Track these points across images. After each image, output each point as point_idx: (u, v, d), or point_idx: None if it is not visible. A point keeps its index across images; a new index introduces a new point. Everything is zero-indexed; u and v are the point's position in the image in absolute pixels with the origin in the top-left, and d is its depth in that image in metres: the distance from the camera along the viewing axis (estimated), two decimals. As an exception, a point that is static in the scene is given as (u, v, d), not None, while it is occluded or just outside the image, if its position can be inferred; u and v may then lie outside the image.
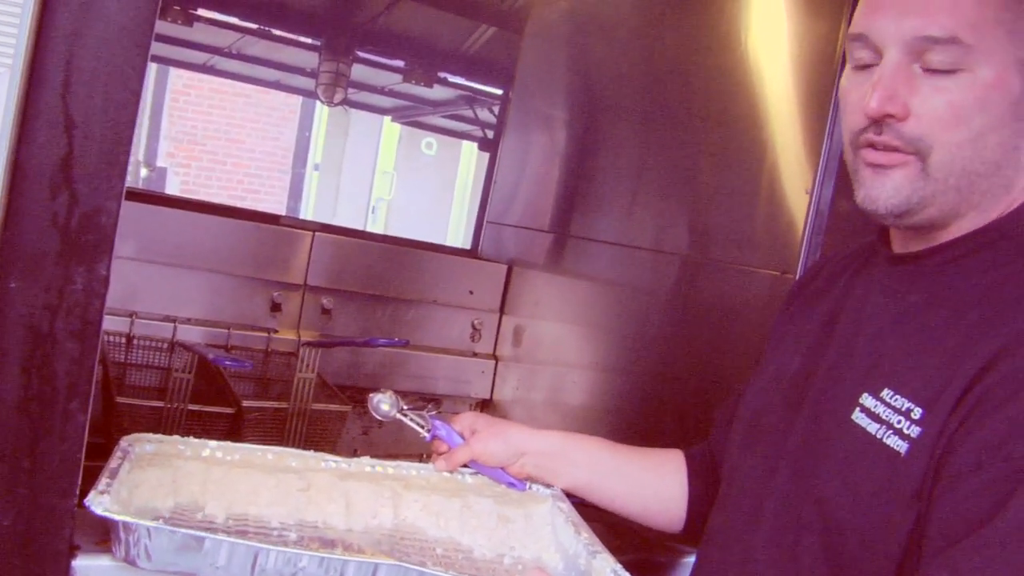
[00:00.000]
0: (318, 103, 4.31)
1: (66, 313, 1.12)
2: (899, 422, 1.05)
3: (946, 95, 1.05)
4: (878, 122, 1.08)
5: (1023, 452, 0.93)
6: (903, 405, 1.05)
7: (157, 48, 4.65)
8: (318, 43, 3.93)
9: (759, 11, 2.10)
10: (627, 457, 1.57)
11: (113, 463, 1.32)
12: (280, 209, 11.09)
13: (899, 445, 1.04)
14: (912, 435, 1.03)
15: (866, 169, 1.11)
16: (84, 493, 1.17)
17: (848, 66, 1.15)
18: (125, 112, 1.13)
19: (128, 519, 1.14)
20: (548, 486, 1.56)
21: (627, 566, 1.29)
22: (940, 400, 1.01)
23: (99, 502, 1.15)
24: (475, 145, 5.13)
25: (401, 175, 12.96)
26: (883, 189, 1.09)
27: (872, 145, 1.09)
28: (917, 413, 1.03)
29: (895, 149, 1.08)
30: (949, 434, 1.00)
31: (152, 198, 3.10)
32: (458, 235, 11.63)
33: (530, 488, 1.56)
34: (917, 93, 1.06)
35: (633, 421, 2.31)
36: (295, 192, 12.02)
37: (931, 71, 1.05)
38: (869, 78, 1.09)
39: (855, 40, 1.12)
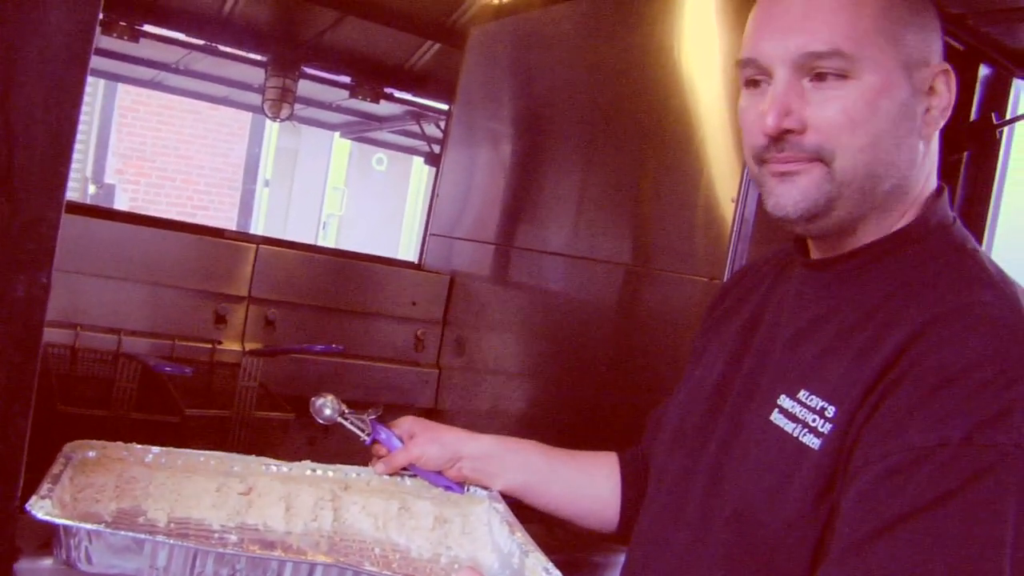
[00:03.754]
0: (268, 120, 4.34)
1: (7, 320, 1.14)
2: (814, 420, 1.09)
3: (839, 103, 1.10)
4: (778, 139, 1.13)
5: (920, 441, 0.97)
6: (817, 404, 1.09)
7: (104, 64, 4.68)
8: (264, 59, 3.95)
9: (691, 24, 2.16)
10: (561, 460, 1.60)
11: (55, 469, 1.33)
12: (231, 225, 11.03)
13: (813, 442, 1.08)
14: (824, 431, 1.07)
15: (773, 179, 1.15)
16: (27, 500, 1.18)
17: (742, 89, 1.20)
18: (66, 123, 1.15)
19: (68, 522, 1.16)
20: (486, 488, 1.59)
21: (561, 565, 1.31)
22: (849, 397, 1.06)
23: (40, 506, 1.16)
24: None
25: (352, 191, 12.95)
26: (791, 195, 1.14)
27: (776, 161, 1.14)
28: (830, 411, 1.07)
29: (798, 159, 1.13)
30: (857, 428, 1.04)
31: (97, 212, 3.10)
32: (409, 250, 11.64)
33: (468, 491, 1.59)
34: (810, 105, 1.11)
35: (575, 428, 2.35)
36: (245, 208, 11.98)
37: (821, 83, 1.11)
38: (763, 96, 1.14)
39: (745, 65, 1.17)
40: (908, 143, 1.13)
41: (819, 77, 1.11)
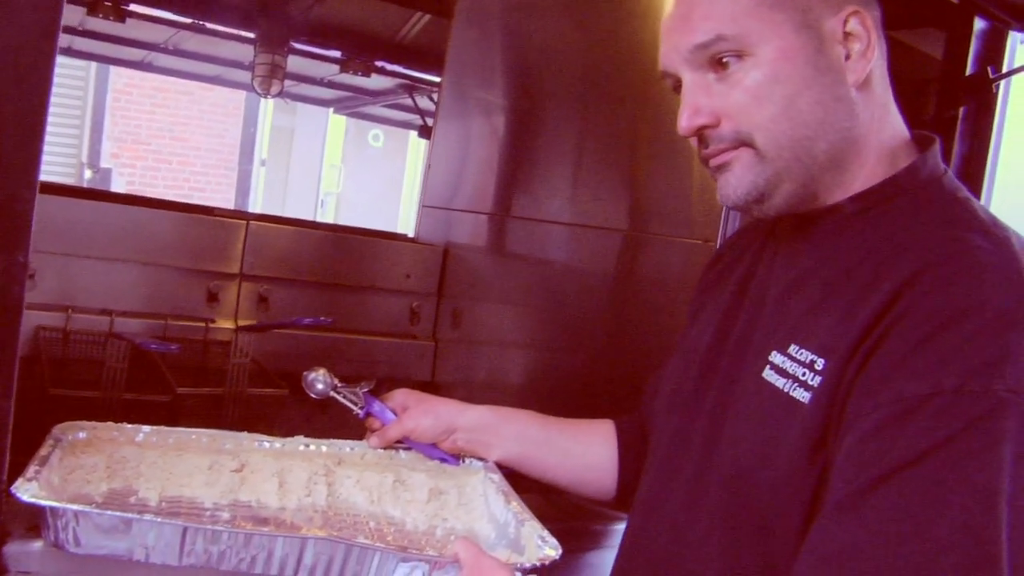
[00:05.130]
0: (262, 99, 4.33)
1: (-15, 300, 1.13)
2: (804, 374, 1.07)
3: (740, 84, 1.11)
4: (700, 138, 1.15)
5: (912, 391, 0.95)
6: (807, 358, 1.08)
7: (92, 46, 4.66)
8: (253, 36, 3.93)
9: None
10: (557, 428, 1.60)
11: (44, 451, 1.32)
12: (228, 206, 11.05)
13: (803, 396, 1.06)
14: (815, 385, 1.05)
15: (715, 174, 1.17)
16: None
17: None
18: (37, 100, 1.14)
19: (54, 504, 1.15)
20: (482, 460, 1.58)
21: (558, 533, 1.31)
22: (838, 348, 1.04)
23: (26, 488, 1.15)
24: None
25: (349, 168, 12.95)
26: (728, 185, 1.15)
27: (709, 157, 1.16)
28: (820, 364, 1.06)
29: (724, 150, 1.14)
30: (848, 380, 1.02)
31: (85, 192, 3.09)
32: (409, 225, 11.66)
33: (463, 462, 1.58)
34: (717, 96, 1.13)
35: (574, 397, 2.34)
36: (242, 189, 11.97)
37: (724, 71, 1.12)
38: None
39: (663, 78, 1.21)
40: (834, 94, 1.12)
41: (721, 66, 1.12)
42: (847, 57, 1.12)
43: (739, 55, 1.10)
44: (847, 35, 1.12)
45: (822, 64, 1.11)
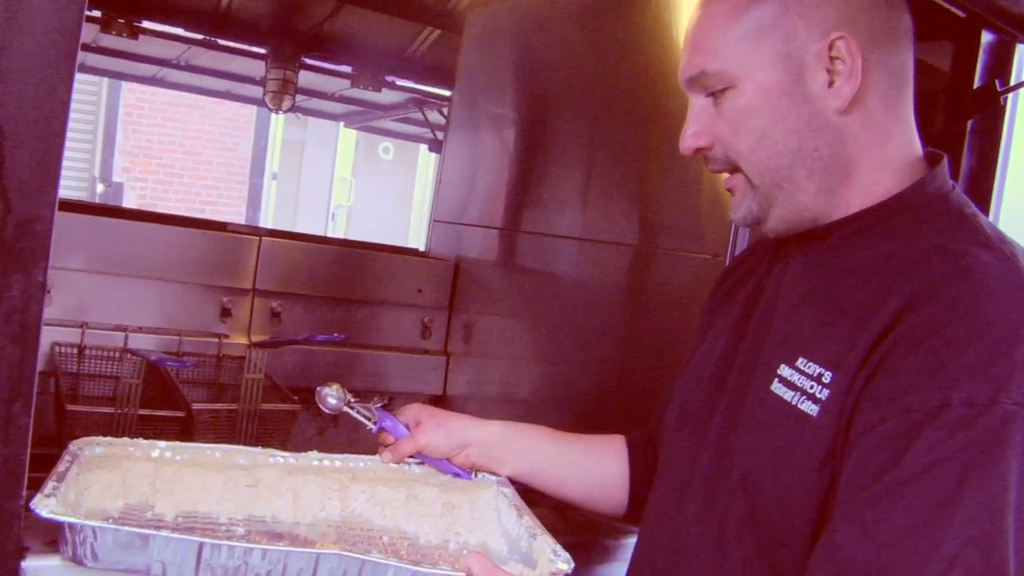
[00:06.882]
0: (273, 114, 4.36)
1: (4, 319, 1.14)
2: (811, 387, 1.09)
3: (726, 115, 1.17)
4: (706, 159, 1.22)
5: (921, 404, 0.96)
6: (815, 371, 1.09)
7: (105, 62, 4.68)
8: (264, 51, 3.95)
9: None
10: (569, 444, 1.60)
11: (61, 467, 1.34)
12: (239, 220, 11.07)
13: (811, 409, 1.08)
14: (822, 398, 1.07)
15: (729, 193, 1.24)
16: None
17: None
18: (56, 121, 1.15)
19: (73, 520, 1.16)
20: (494, 474, 1.59)
21: (571, 547, 1.32)
22: (846, 362, 1.06)
23: (44, 504, 1.17)
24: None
25: (360, 181, 12.96)
26: (733, 207, 1.22)
27: (715, 174, 1.24)
28: (827, 377, 1.07)
29: (722, 170, 1.22)
30: (856, 393, 1.04)
31: (100, 209, 3.11)
32: (419, 238, 11.66)
33: (476, 476, 1.59)
34: (713, 122, 1.18)
35: (585, 411, 2.34)
36: (254, 202, 11.99)
37: (716, 99, 1.18)
38: None
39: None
40: (810, 124, 1.14)
41: (713, 94, 1.18)
42: (831, 83, 1.13)
43: (726, 87, 1.16)
44: (833, 59, 1.13)
45: (798, 95, 1.14)
